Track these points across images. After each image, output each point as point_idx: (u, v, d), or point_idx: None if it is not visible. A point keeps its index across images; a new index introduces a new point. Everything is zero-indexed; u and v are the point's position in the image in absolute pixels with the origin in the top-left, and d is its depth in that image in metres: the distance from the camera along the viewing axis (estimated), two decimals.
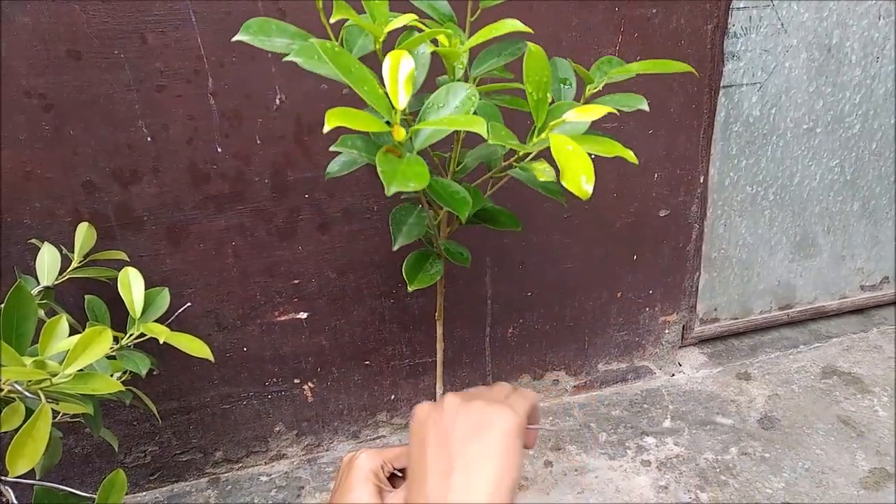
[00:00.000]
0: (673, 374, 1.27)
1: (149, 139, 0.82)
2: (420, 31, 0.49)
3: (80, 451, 0.98)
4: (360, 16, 0.49)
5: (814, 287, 1.37)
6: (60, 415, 0.63)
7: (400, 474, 0.74)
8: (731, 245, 1.26)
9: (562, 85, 0.61)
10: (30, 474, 0.51)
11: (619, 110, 0.53)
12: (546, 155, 0.47)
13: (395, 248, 0.53)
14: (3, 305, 0.51)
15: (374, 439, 1.13)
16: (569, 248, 1.07)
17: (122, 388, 0.54)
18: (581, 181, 0.39)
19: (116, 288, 0.68)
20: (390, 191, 0.41)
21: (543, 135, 0.46)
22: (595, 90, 0.58)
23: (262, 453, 1.09)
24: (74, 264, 0.76)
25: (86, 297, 0.74)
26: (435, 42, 0.50)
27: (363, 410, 1.10)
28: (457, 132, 0.54)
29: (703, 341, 1.35)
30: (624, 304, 1.17)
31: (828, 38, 1.11)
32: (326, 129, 0.38)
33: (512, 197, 0.99)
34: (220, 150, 0.85)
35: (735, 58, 1.07)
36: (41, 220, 0.82)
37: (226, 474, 1.08)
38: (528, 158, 0.50)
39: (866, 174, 1.27)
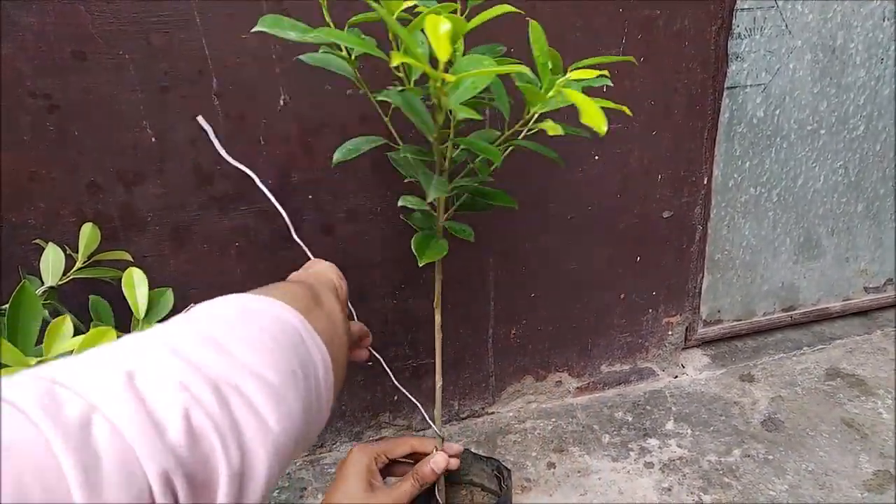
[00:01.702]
0: (676, 376, 1.27)
1: (153, 140, 0.82)
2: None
3: None
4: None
5: (817, 289, 1.37)
6: None
7: (402, 461, 0.74)
8: (734, 246, 1.25)
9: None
10: None
11: (630, 111, 0.57)
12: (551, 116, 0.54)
13: (430, 198, 0.56)
14: (7, 305, 0.51)
15: (376, 440, 1.13)
16: (572, 250, 1.07)
17: None
18: (598, 116, 0.45)
19: (120, 288, 0.68)
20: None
21: (553, 91, 0.53)
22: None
23: None
24: (78, 265, 0.76)
25: (90, 297, 0.74)
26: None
27: (366, 411, 1.10)
28: (450, 121, 0.58)
29: (706, 343, 1.35)
30: (627, 305, 1.17)
31: (832, 39, 1.11)
32: (394, 63, 0.43)
33: (513, 199, 0.99)
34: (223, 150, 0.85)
35: (739, 59, 1.07)
36: (45, 221, 0.82)
37: None
38: (534, 120, 0.56)
39: (870, 176, 1.27)
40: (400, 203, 0.63)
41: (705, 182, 1.11)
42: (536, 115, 0.56)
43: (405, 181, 0.67)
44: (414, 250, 0.63)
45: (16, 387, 0.26)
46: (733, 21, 1.03)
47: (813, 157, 1.21)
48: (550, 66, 0.55)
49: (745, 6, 1.02)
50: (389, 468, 0.74)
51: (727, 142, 1.14)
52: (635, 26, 0.93)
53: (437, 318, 0.73)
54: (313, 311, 0.45)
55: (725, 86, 1.08)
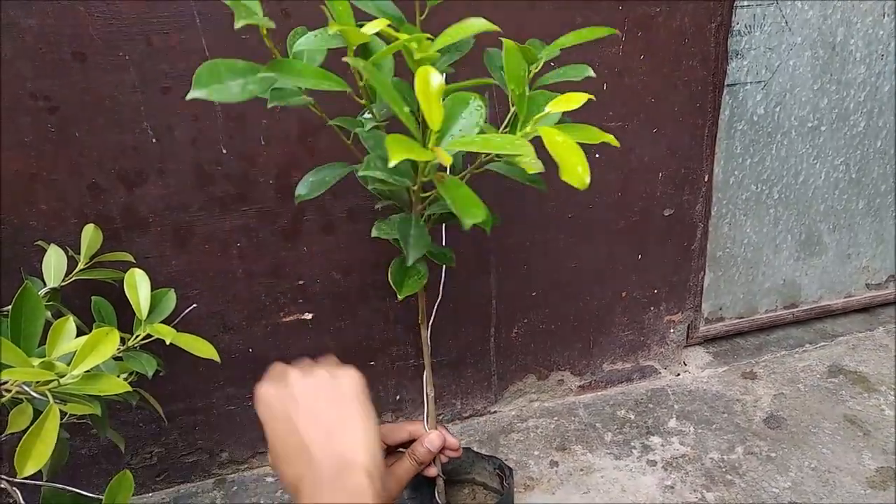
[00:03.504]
0: (678, 374, 1.27)
1: (154, 141, 0.82)
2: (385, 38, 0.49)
3: (87, 452, 0.98)
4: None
5: (819, 286, 1.37)
6: (67, 416, 0.63)
7: (398, 448, 0.74)
8: (735, 244, 1.25)
9: (501, 71, 0.61)
10: (37, 475, 0.51)
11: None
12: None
13: (410, 262, 0.53)
14: (10, 307, 0.51)
15: None
16: (573, 248, 1.07)
17: (130, 389, 0.54)
18: (579, 171, 0.40)
19: (122, 289, 0.69)
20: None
21: (528, 128, 0.47)
22: (536, 70, 0.58)
23: (268, 454, 1.09)
24: (81, 266, 0.76)
25: (92, 298, 0.74)
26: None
27: None
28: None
29: (708, 340, 1.35)
30: (629, 303, 1.17)
31: (832, 35, 1.10)
32: (392, 162, 0.38)
33: (514, 198, 0.99)
34: (224, 151, 0.85)
35: (739, 56, 1.07)
36: (47, 222, 0.82)
37: (232, 475, 1.08)
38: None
39: (871, 172, 1.27)
40: (373, 234, 0.59)
41: (706, 180, 1.11)
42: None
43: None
44: (392, 284, 0.58)
45: None
46: (733, 18, 1.02)
47: (814, 154, 1.21)
48: (527, 94, 0.50)
49: (745, 3, 1.02)
50: (387, 458, 0.73)
51: (728, 139, 1.14)
52: (635, 24, 0.93)
53: (424, 333, 0.73)
54: None
55: (726, 83, 1.07)
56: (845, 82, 1.16)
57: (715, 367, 1.29)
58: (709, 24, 0.97)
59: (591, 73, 0.60)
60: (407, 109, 0.43)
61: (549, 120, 0.50)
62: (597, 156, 1.01)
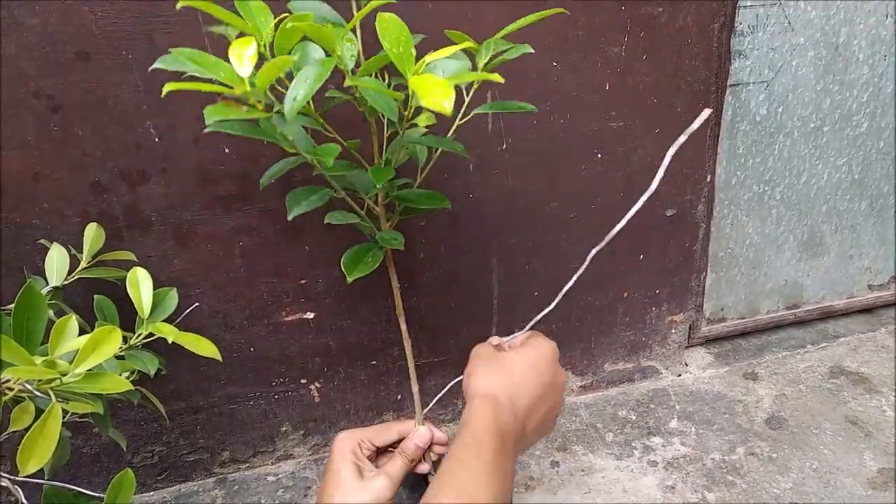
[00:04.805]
0: (679, 374, 1.27)
1: (156, 140, 0.82)
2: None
3: (89, 451, 0.99)
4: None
5: (821, 286, 1.37)
6: (69, 415, 0.63)
7: (389, 449, 0.74)
8: (737, 244, 1.25)
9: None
10: (39, 474, 0.51)
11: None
12: None
13: (290, 217, 0.56)
14: (13, 305, 0.51)
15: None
16: (575, 248, 1.07)
17: (132, 388, 0.54)
18: (441, 101, 0.41)
19: (125, 288, 0.69)
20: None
21: (411, 79, 0.48)
22: (485, 60, 0.60)
23: (269, 453, 1.09)
24: (83, 265, 0.76)
25: (94, 297, 0.75)
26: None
27: (369, 410, 1.10)
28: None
29: (709, 341, 1.35)
30: (630, 303, 1.17)
31: (835, 36, 1.10)
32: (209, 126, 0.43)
33: (514, 198, 1.00)
34: (227, 150, 0.85)
35: (742, 56, 1.07)
36: (50, 221, 0.82)
37: (233, 474, 1.08)
38: (413, 115, 0.55)
39: (874, 173, 1.27)
40: (326, 220, 0.62)
41: (708, 180, 1.10)
42: (414, 109, 0.54)
43: None
44: (343, 267, 0.61)
45: None
46: (736, 18, 1.02)
47: (816, 155, 1.21)
48: (412, 53, 0.51)
49: (748, 3, 1.02)
50: (377, 459, 0.73)
51: (730, 139, 1.13)
52: (637, 24, 0.93)
53: (402, 325, 0.73)
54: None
55: (728, 83, 1.07)
56: (848, 83, 1.16)
57: (716, 367, 1.29)
58: (712, 25, 0.97)
59: (530, 50, 0.61)
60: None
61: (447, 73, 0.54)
62: (598, 156, 1.00)
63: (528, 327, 0.74)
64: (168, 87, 0.43)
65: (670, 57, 0.97)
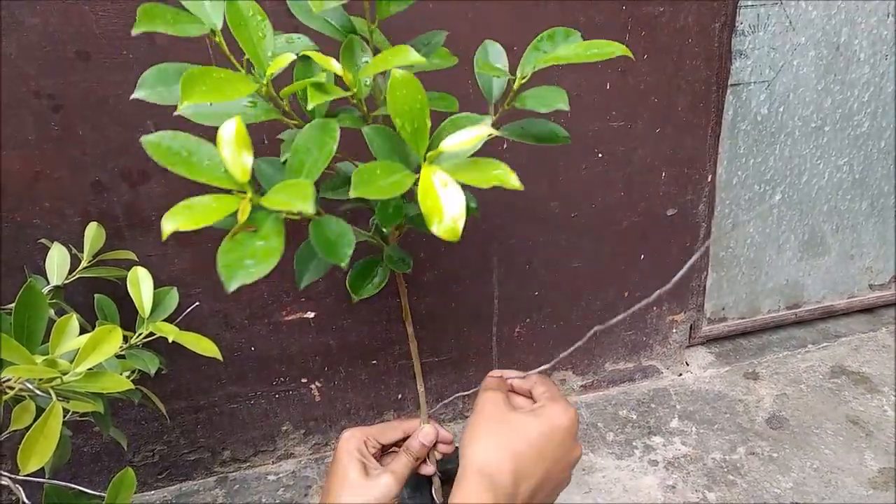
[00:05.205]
0: (680, 374, 1.27)
1: None
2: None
3: (89, 450, 0.99)
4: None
5: (822, 286, 1.37)
6: (69, 414, 0.63)
7: (394, 449, 0.74)
8: (738, 244, 1.25)
9: (493, 76, 0.58)
10: (39, 473, 0.51)
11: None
12: None
13: (301, 287, 0.53)
14: (14, 305, 0.52)
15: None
16: (576, 248, 1.07)
17: (132, 387, 0.54)
18: (452, 227, 0.38)
19: (125, 287, 0.69)
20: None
21: (419, 190, 0.43)
22: (524, 80, 0.53)
23: (270, 452, 1.09)
24: (84, 264, 0.76)
25: (95, 296, 0.75)
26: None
27: (370, 410, 1.10)
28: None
29: (710, 341, 1.35)
30: (631, 303, 1.17)
31: (836, 35, 1.10)
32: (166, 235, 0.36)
33: (514, 198, 0.99)
34: None
35: (743, 56, 1.06)
36: (50, 220, 0.82)
37: (233, 473, 1.08)
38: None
39: (875, 172, 1.27)
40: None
41: (709, 179, 1.10)
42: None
43: None
44: (348, 287, 0.57)
45: None
46: (737, 18, 1.02)
47: (817, 155, 1.21)
48: (429, 125, 0.44)
49: (749, 3, 1.02)
50: (382, 458, 0.73)
51: (731, 139, 1.13)
52: (638, 23, 0.93)
53: (409, 329, 0.73)
54: None
55: (729, 83, 1.07)
56: (849, 82, 1.15)
57: (717, 367, 1.29)
58: (713, 24, 0.97)
59: (565, 107, 0.52)
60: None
61: (459, 155, 0.45)
62: (599, 155, 1.00)
63: (531, 372, 0.72)
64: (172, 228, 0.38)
65: (671, 57, 0.97)
